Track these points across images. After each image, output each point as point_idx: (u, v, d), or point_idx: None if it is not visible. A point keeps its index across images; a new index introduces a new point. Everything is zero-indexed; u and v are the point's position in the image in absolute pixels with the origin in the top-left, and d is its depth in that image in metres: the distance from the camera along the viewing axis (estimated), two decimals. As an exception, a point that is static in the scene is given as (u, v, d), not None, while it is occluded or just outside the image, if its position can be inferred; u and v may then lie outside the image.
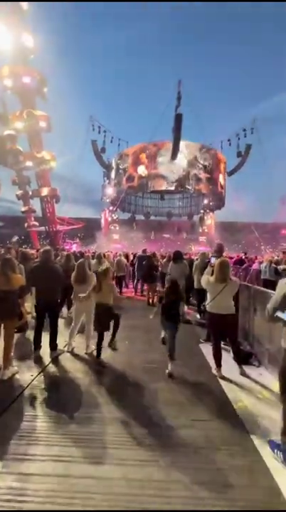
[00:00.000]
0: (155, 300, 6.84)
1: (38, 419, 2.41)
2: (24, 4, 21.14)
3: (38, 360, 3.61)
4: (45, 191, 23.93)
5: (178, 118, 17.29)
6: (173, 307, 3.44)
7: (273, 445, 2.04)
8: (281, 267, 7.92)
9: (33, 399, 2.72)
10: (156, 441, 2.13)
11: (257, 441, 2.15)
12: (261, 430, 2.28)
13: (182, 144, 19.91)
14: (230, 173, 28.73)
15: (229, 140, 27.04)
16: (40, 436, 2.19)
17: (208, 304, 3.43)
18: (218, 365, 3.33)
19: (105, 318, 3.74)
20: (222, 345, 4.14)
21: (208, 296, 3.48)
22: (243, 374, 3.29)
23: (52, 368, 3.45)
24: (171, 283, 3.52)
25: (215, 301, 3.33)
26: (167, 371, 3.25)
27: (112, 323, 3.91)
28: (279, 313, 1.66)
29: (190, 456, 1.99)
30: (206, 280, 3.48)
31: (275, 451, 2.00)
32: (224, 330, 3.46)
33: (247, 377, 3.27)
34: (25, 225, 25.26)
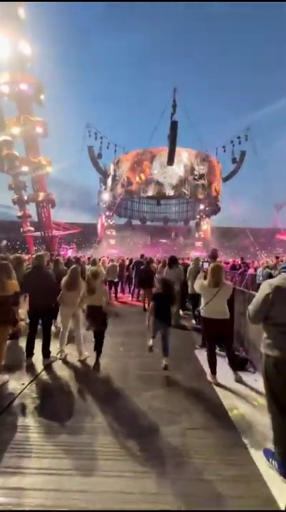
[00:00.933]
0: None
1: (29, 429, 2.34)
2: (22, 13, 21.47)
3: (30, 368, 3.54)
4: (41, 196, 23.91)
5: (174, 125, 17.52)
6: (164, 305, 3.43)
7: (268, 454, 2.01)
8: (276, 272, 7.99)
9: (23, 408, 2.65)
10: (149, 452, 2.08)
11: (252, 450, 2.12)
12: (256, 438, 2.25)
13: (178, 150, 20.15)
14: (226, 179, 29.10)
15: (224, 147, 27.46)
16: (31, 447, 2.12)
17: (202, 309, 3.42)
18: (213, 371, 3.30)
19: (98, 316, 3.67)
20: (217, 351, 4.11)
21: (202, 300, 3.47)
22: (238, 380, 3.26)
23: (44, 376, 3.38)
24: (162, 281, 3.53)
25: (209, 305, 3.32)
26: (164, 363, 3.40)
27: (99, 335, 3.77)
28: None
29: (184, 466, 1.95)
30: (200, 285, 3.48)
31: (270, 460, 1.97)
32: (219, 335, 3.45)
33: (243, 383, 3.24)
34: (21, 230, 25.12)
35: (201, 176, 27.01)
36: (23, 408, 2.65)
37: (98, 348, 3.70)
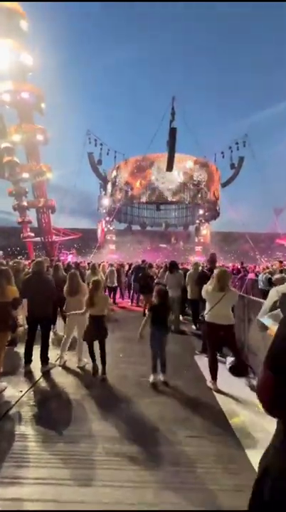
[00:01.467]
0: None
1: (26, 438, 2.31)
2: (24, 25, 22.05)
3: (28, 375, 3.50)
4: (41, 202, 24.09)
5: (173, 132, 17.77)
6: (161, 316, 3.40)
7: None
8: (277, 277, 7.96)
9: (21, 416, 2.62)
10: (148, 460, 2.05)
11: (253, 459, 2.08)
12: (257, 446, 2.21)
13: (177, 156, 20.38)
14: (224, 185, 29.34)
15: (222, 153, 27.77)
16: (28, 457, 2.09)
17: (207, 314, 3.37)
18: (214, 377, 3.27)
19: (101, 326, 3.55)
20: (217, 357, 4.07)
21: (207, 305, 3.43)
22: (248, 387, 3.23)
23: (42, 383, 3.35)
24: (157, 293, 3.46)
25: (213, 310, 3.28)
26: (162, 379, 3.30)
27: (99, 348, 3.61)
28: (262, 319, 1.63)
29: (184, 475, 1.92)
30: (205, 289, 3.46)
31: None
32: (222, 341, 3.40)
33: (243, 389, 3.21)
34: (21, 235, 25.21)
35: (200, 182, 27.23)
36: (20, 416, 2.62)
37: (103, 359, 3.55)
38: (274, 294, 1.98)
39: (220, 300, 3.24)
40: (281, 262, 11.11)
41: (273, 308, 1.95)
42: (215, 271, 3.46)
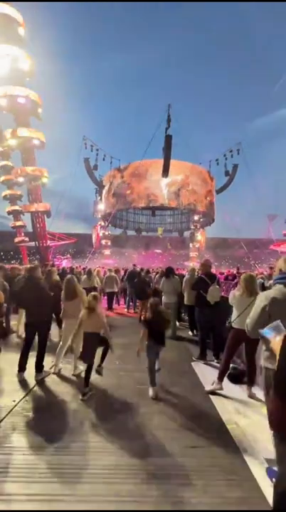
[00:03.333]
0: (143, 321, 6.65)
1: (18, 450, 2.20)
2: (22, 32, 22.30)
3: (22, 384, 3.38)
4: (36, 206, 23.94)
5: (168, 139, 18.05)
6: (156, 327, 3.23)
7: (271, 473, 1.92)
8: (271, 282, 8.01)
9: (14, 427, 2.51)
10: (148, 473, 1.97)
11: (254, 469, 2.03)
12: (258, 456, 2.16)
13: (172, 162, 20.63)
14: (219, 191, 29.75)
15: (217, 160, 28.29)
16: (20, 471, 1.99)
17: (234, 320, 3.22)
18: (221, 378, 3.24)
19: (92, 347, 3.30)
20: (214, 363, 4.03)
21: (234, 311, 3.31)
22: (251, 396, 3.18)
23: (36, 392, 3.23)
24: (151, 307, 3.29)
25: (242, 316, 3.09)
26: (153, 394, 3.13)
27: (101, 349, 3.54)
28: (262, 331, 1.59)
29: (186, 489, 1.85)
30: (232, 295, 3.36)
31: (273, 480, 1.88)
32: (246, 347, 3.31)
33: (242, 398, 3.16)
34: (15, 240, 24.90)
35: (195, 188, 27.55)
36: (13, 427, 2.51)
37: (104, 353, 3.50)
38: (263, 298, 1.95)
39: (249, 305, 3.15)
40: (271, 267, 11.19)
41: (262, 313, 1.91)
42: (242, 276, 3.37)
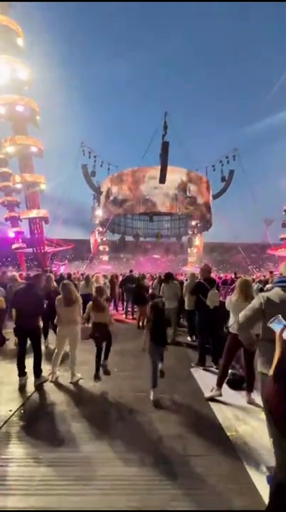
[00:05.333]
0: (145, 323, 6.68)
1: (14, 462, 2.15)
2: (20, 42, 22.74)
3: (19, 393, 3.33)
4: (34, 213, 23.99)
5: (165, 145, 18.31)
6: (157, 327, 3.31)
7: (272, 481, 1.89)
8: (268, 287, 8.03)
9: (10, 438, 2.45)
10: (149, 484, 1.93)
11: (255, 477, 2.00)
12: (258, 464, 2.13)
13: (169, 168, 20.86)
14: (216, 197, 30.05)
15: (213, 166, 28.67)
16: (16, 483, 1.94)
17: (232, 325, 3.22)
18: (220, 384, 3.22)
19: (105, 333, 3.79)
20: (213, 369, 3.99)
21: (231, 317, 3.31)
22: (246, 401, 3.16)
23: (33, 401, 3.18)
24: (150, 306, 3.40)
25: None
26: (152, 398, 3.16)
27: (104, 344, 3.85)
28: (271, 324, 1.60)
29: (188, 499, 1.81)
30: (228, 300, 3.38)
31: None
32: (244, 352, 3.27)
33: (241, 404, 3.13)
34: (13, 246, 24.83)
35: (192, 193, 27.81)
36: (8, 438, 2.46)
37: (107, 349, 3.89)
38: (260, 297, 1.98)
39: None
40: (271, 272, 11.24)
41: (256, 311, 1.94)
42: (238, 281, 3.38)
